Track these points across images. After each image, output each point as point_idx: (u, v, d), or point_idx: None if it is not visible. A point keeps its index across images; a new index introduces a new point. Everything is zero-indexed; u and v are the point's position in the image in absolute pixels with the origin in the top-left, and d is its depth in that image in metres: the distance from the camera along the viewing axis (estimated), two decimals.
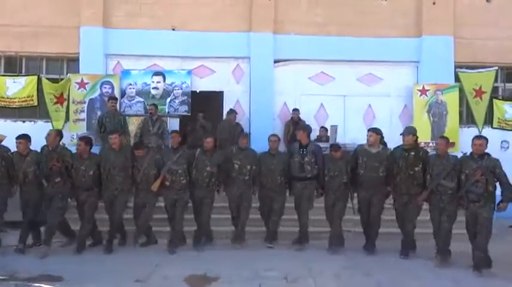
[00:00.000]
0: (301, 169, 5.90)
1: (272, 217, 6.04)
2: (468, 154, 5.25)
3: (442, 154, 5.42)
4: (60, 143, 5.80)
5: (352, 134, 8.41)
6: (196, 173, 5.83)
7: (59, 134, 5.87)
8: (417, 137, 5.69)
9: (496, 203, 5.10)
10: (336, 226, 5.84)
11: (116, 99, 7.95)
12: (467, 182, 5.07)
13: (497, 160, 5.12)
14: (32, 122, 8.57)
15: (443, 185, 5.27)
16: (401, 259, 5.57)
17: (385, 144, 6.31)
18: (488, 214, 5.03)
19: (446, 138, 5.59)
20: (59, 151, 5.67)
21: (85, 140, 5.84)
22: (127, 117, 8.25)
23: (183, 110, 8.77)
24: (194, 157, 5.91)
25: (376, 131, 5.79)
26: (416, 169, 5.49)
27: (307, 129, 6.38)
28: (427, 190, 5.41)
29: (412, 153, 5.55)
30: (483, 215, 5.03)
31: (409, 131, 5.66)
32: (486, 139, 5.17)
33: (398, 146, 5.76)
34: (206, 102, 8.90)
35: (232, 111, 8.30)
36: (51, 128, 8.19)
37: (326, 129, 8.38)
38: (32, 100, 8.47)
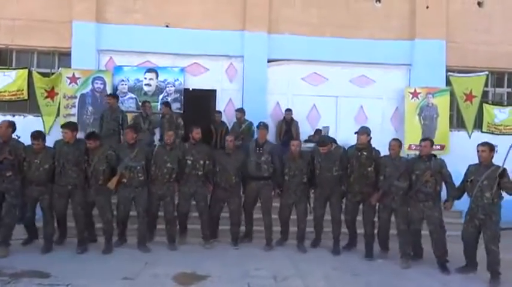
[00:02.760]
0: (257, 168, 5.90)
1: (232, 218, 5.98)
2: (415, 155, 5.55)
3: (395, 155, 5.56)
4: (13, 135, 5.52)
5: (343, 136, 8.43)
6: (155, 168, 5.70)
7: (11, 125, 5.51)
8: (371, 138, 5.79)
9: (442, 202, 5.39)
10: (302, 226, 5.94)
11: (112, 95, 7.82)
12: (418, 182, 5.26)
13: (443, 161, 5.41)
14: (22, 116, 8.47)
15: (396, 186, 5.41)
16: (367, 260, 5.61)
17: (335, 141, 6.54)
18: (439, 213, 5.31)
19: (399, 141, 5.71)
20: (12, 144, 5.41)
21: (71, 127, 5.61)
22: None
23: (176, 107, 8.72)
24: (152, 153, 5.81)
25: (326, 145, 5.93)
26: (369, 169, 5.63)
27: (267, 127, 6.40)
28: (379, 191, 5.53)
29: (365, 153, 5.68)
30: (435, 215, 5.28)
31: (364, 131, 5.79)
32: (432, 141, 5.52)
33: (352, 146, 5.91)
34: (199, 101, 8.88)
35: (239, 110, 8.25)
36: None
37: (321, 132, 8.41)
38: (22, 94, 8.36)
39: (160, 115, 8.08)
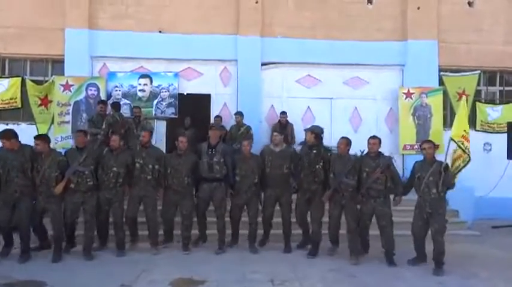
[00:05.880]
0: (210, 169, 5.87)
1: (184, 222, 5.89)
2: (364, 152, 5.67)
3: (343, 153, 5.67)
4: None
5: (338, 137, 8.45)
6: (102, 173, 5.60)
7: None
8: (317, 136, 5.88)
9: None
10: (253, 227, 5.99)
11: (105, 102, 7.85)
12: (369, 180, 5.42)
13: (391, 158, 5.69)
14: (16, 125, 8.43)
15: (345, 183, 5.52)
16: (308, 258, 5.67)
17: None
18: (389, 209, 5.52)
19: (347, 139, 5.77)
20: None
21: (7, 136, 5.28)
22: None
23: (170, 112, 8.74)
24: (102, 156, 5.68)
25: (280, 133, 6.17)
26: (317, 166, 5.71)
27: (219, 128, 6.36)
28: (330, 189, 5.62)
29: (314, 151, 5.77)
30: (385, 211, 5.49)
31: (310, 129, 6.00)
32: (379, 139, 5.65)
33: (305, 144, 6.07)
34: (194, 105, 8.89)
35: (238, 113, 8.29)
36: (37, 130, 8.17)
37: None
38: (16, 102, 8.38)
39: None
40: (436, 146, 5.69)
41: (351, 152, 5.80)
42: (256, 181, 5.90)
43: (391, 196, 5.64)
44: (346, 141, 5.69)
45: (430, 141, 5.60)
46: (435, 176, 5.19)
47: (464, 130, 5.43)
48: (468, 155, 5.39)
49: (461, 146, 5.35)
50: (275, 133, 6.16)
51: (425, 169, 5.29)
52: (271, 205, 5.99)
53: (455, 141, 5.38)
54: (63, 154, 5.72)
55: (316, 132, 5.89)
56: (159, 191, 5.89)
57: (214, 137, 6.05)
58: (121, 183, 5.70)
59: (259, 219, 6.05)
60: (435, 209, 5.21)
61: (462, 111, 5.68)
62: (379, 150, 5.63)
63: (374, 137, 5.69)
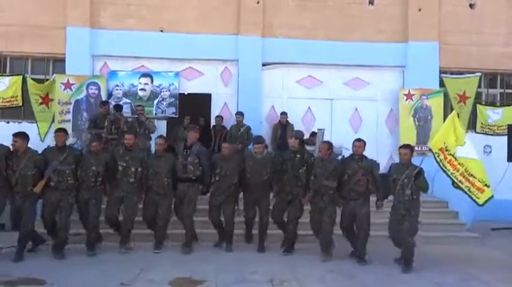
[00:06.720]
0: (184, 170, 5.89)
1: (158, 222, 5.88)
2: (349, 155, 5.79)
3: (324, 157, 5.74)
4: None
5: (339, 138, 8.46)
6: (81, 172, 5.62)
7: None
8: (301, 141, 6.03)
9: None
10: (229, 226, 6.01)
11: (107, 103, 7.92)
12: (350, 182, 5.53)
13: (374, 162, 5.72)
14: (17, 123, 8.45)
15: (325, 185, 5.59)
16: (284, 255, 5.81)
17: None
18: (367, 211, 5.57)
19: (328, 143, 5.90)
20: None
21: None
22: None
23: (171, 112, 8.74)
24: (82, 157, 5.72)
25: (261, 142, 6.16)
26: (301, 170, 5.80)
27: (197, 129, 6.31)
28: (311, 191, 5.70)
29: (298, 155, 5.86)
30: (363, 212, 5.55)
31: (293, 135, 6.15)
32: (364, 142, 5.72)
33: (288, 149, 6.16)
34: (194, 105, 8.89)
35: (240, 113, 8.29)
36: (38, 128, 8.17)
37: (316, 135, 8.43)
38: (17, 100, 8.35)
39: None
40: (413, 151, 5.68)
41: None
42: (235, 181, 5.94)
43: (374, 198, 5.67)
44: (327, 146, 5.81)
45: (407, 146, 5.63)
46: (409, 179, 5.25)
47: (444, 143, 5.38)
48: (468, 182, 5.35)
49: (436, 158, 5.37)
50: (257, 145, 6.04)
51: (401, 171, 5.36)
52: (252, 208, 6.06)
53: (432, 152, 5.40)
54: (40, 152, 5.59)
55: (300, 137, 6.05)
56: (141, 193, 5.90)
57: (192, 138, 6.05)
58: (100, 182, 5.71)
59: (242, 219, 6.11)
60: (408, 211, 5.29)
61: (448, 124, 5.56)
62: (364, 153, 5.70)
63: (359, 139, 5.77)
